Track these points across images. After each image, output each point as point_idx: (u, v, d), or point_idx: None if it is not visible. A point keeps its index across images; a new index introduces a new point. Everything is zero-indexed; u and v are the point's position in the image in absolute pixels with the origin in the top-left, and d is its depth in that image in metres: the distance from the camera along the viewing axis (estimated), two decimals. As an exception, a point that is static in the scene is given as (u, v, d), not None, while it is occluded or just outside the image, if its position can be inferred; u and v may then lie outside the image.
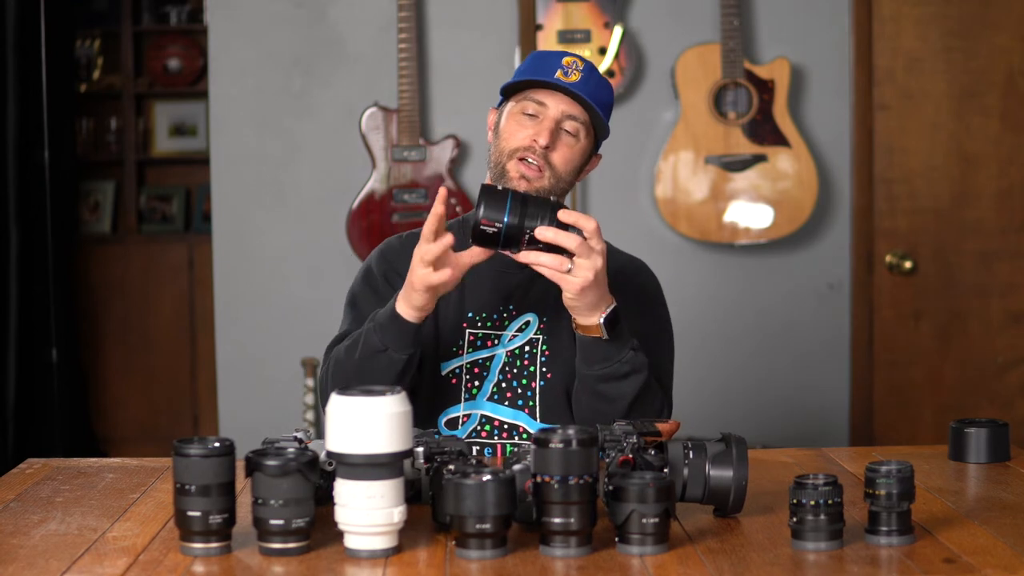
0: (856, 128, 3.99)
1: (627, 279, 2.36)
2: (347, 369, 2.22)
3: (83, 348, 5.59)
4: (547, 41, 3.89)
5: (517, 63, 3.87)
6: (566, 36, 3.90)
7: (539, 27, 3.90)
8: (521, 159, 2.26)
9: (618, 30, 3.90)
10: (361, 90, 3.97)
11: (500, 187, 2.09)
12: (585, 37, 3.90)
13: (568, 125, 2.27)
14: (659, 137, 3.96)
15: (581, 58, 2.30)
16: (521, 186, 2.25)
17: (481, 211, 2.07)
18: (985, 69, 3.98)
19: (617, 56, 3.91)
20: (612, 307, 2.15)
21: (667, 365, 2.39)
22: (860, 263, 4.01)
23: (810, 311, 4.04)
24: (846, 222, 4.02)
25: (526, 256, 2.08)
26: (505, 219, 2.06)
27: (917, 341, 4.03)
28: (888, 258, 4.01)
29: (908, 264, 3.99)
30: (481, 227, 2.07)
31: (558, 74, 2.26)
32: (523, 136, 2.26)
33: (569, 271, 2.08)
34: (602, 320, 2.15)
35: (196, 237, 5.85)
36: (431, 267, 2.11)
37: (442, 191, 2.12)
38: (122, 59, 5.97)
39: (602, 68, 3.89)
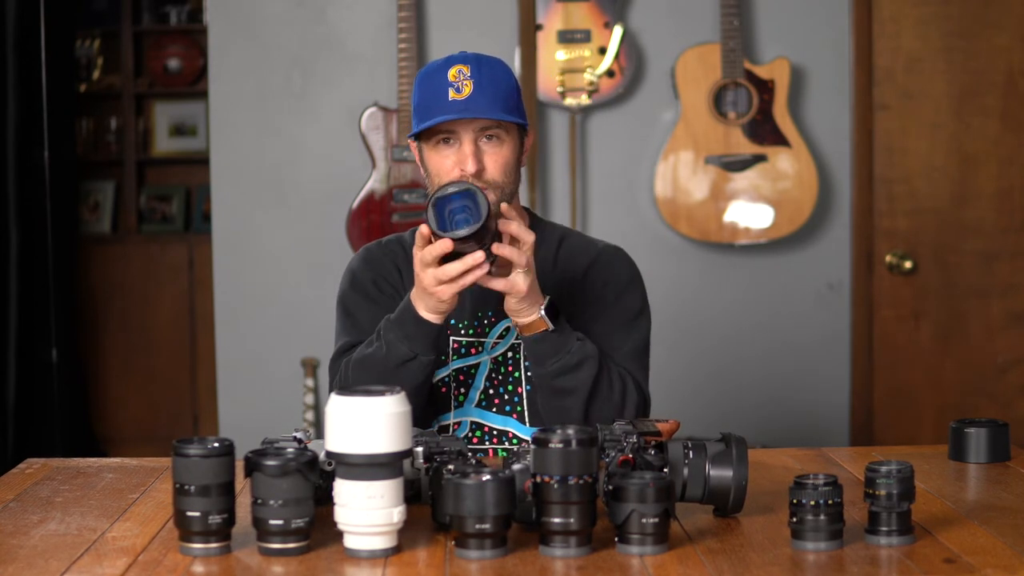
0: (856, 128, 3.98)
1: (599, 271, 2.36)
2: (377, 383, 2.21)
3: (83, 348, 5.59)
4: (547, 41, 3.89)
5: (517, 63, 3.87)
6: (566, 36, 3.90)
7: (539, 27, 3.90)
8: None
9: (618, 30, 3.90)
10: (361, 90, 3.97)
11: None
12: (585, 37, 3.90)
13: (486, 134, 2.26)
14: (659, 137, 3.96)
15: (463, 60, 2.26)
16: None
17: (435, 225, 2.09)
18: (985, 69, 3.97)
19: (617, 56, 3.91)
20: (548, 299, 2.19)
21: (637, 353, 2.35)
22: (860, 263, 4.01)
23: (810, 311, 4.04)
24: (846, 222, 4.02)
25: (499, 248, 2.11)
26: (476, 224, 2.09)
27: (917, 341, 4.03)
28: (888, 258, 4.00)
29: (908, 264, 3.99)
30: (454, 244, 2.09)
31: (451, 94, 2.23)
32: (450, 166, 2.26)
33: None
34: (542, 311, 2.17)
35: (196, 237, 5.84)
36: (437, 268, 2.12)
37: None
38: (122, 59, 5.97)
39: (602, 68, 3.89)
